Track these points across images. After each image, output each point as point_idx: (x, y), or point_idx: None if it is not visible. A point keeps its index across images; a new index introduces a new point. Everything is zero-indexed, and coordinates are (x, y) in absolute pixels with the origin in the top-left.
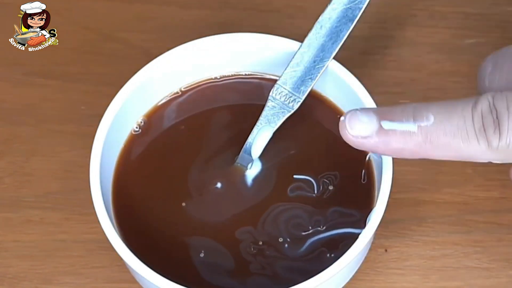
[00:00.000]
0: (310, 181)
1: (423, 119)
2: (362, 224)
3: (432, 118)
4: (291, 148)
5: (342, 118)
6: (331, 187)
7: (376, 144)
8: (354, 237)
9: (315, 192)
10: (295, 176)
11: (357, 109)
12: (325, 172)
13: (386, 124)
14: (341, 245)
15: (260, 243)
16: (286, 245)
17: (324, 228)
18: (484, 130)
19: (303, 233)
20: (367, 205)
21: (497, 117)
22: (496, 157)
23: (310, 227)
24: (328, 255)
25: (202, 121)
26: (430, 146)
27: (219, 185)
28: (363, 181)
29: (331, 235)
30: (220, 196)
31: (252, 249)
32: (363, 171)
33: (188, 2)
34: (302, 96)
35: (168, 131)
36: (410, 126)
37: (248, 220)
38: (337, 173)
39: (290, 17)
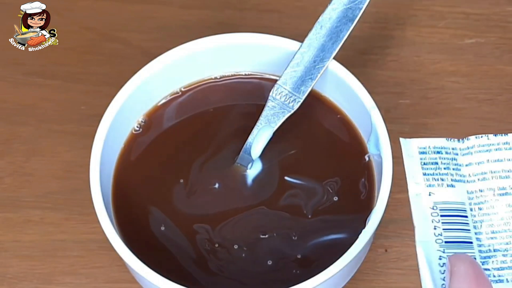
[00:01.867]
0: (310, 187)
1: None
2: (359, 227)
3: None
4: (291, 148)
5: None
6: (335, 198)
7: None
8: (338, 251)
9: (315, 200)
10: (294, 181)
11: None
12: (327, 179)
13: None
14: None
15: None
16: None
17: (297, 238)
18: None
19: (262, 236)
20: (367, 205)
21: None
22: None
23: (273, 234)
24: (294, 271)
25: (202, 121)
26: None
27: (218, 185)
28: (364, 184)
29: (316, 243)
30: (219, 196)
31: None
32: (363, 179)
33: (188, 2)
34: (302, 96)
35: (168, 131)
36: None
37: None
38: (338, 179)
39: (290, 17)
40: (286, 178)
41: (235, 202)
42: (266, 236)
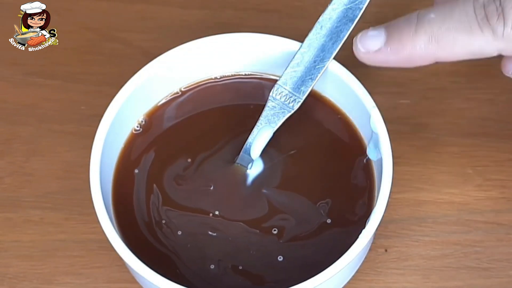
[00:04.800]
0: (302, 211)
1: (425, 21)
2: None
3: (433, 16)
4: (291, 149)
5: (354, 37)
6: (329, 221)
7: (386, 56)
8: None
9: (303, 227)
10: (286, 201)
11: (367, 29)
12: (321, 201)
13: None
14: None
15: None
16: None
17: (254, 252)
18: (487, 19)
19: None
20: (367, 205)
21: (500, 4)
22: (504, 46)
23: (228, 238)
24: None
25: (202, 121)
26: (435, 45)
27: (218, 185)
28: (364, 202)
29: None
30: (218, 195)
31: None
32: (361, 201)
33: (188, 2)
34: (302, 96)
35: (168, 131)
36: (412, 28)
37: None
38: (329, 201)
39: (290, 17)
40: (278, 197)
41: (219, 208)
42: (215, 234)
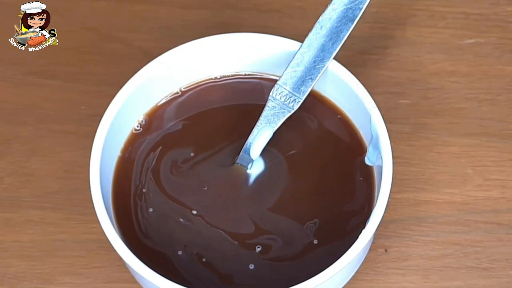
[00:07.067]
0: (290, 233)
1: None
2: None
3: None
4: (291, 149)
5: None
6: (315, 241)
7: None
8: None
9: (288, 250)
10: (274, 223)
11: None
12: (308, 221)
13: None
14: None
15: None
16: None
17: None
18: None
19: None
20: (367, 205)
21: None
22: None
23: (201, 232)
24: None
25: (202, 121)
26: None
27: (213, 186)
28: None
29: None
30: (210, 198)
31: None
32: (364, 199)
33: (189, 2)
34: (302, 96)
35: (168, 131)
36: None
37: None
38: (317, 221)
39: (290, 17)
40: (268, 218)
41: (204, 211)
42: (187, 223)
